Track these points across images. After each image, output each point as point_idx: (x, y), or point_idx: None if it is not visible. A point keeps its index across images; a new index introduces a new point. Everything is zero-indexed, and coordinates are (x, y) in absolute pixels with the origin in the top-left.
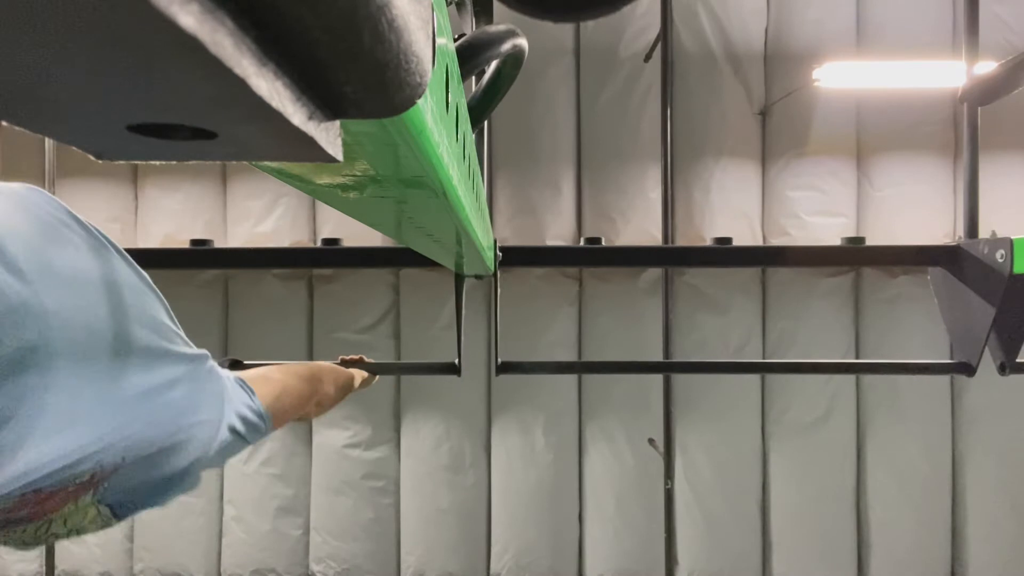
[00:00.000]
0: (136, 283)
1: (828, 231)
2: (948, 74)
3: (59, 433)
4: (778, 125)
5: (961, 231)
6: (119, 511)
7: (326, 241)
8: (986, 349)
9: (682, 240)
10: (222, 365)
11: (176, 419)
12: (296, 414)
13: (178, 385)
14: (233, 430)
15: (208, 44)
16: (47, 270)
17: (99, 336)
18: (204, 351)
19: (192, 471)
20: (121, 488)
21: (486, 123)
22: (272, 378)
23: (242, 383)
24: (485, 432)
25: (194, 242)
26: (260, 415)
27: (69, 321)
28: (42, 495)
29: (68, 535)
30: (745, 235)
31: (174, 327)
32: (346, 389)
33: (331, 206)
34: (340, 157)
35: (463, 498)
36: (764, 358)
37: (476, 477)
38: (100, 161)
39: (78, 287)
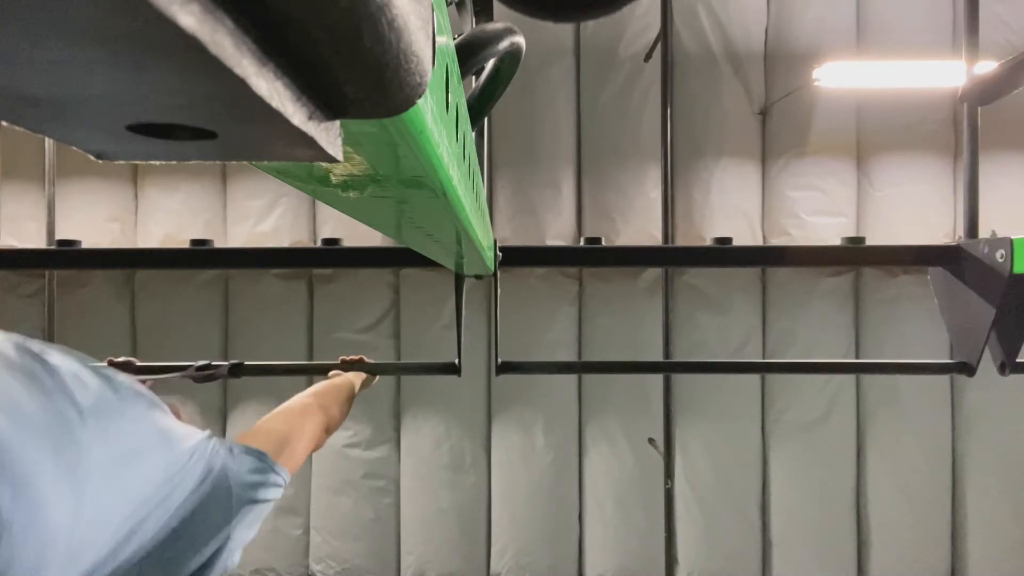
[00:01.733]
0: (102, 388)
1: (828, 231)
2: (948, 74)
3: (78, 554)
4: (778, 125)
5: (961, 231)
6: None
7: (326, 241)
8: (986, 349)
9: (682, 240)
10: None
11: (182, 516)
12: (309, 451)
13: (178, 485)
14: (252, 501)
15: (208, 44)
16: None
17: (74, 449)
18: (205, 433)
19: (220, 556)
20: None
21: (486, 123)
22: (272, 430)
23: (246, 448)
24: (485, 432)
25: (194, 242)
26: (274, 470)
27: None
28: None
29: None
30: (745, 235)
31: (166, 419)
32: (350, 401)
33: (331, 206)
34: (340, 157)
35: (463, 498)
36: (764, 358)
37: (476, 477)
38: (100, 161)
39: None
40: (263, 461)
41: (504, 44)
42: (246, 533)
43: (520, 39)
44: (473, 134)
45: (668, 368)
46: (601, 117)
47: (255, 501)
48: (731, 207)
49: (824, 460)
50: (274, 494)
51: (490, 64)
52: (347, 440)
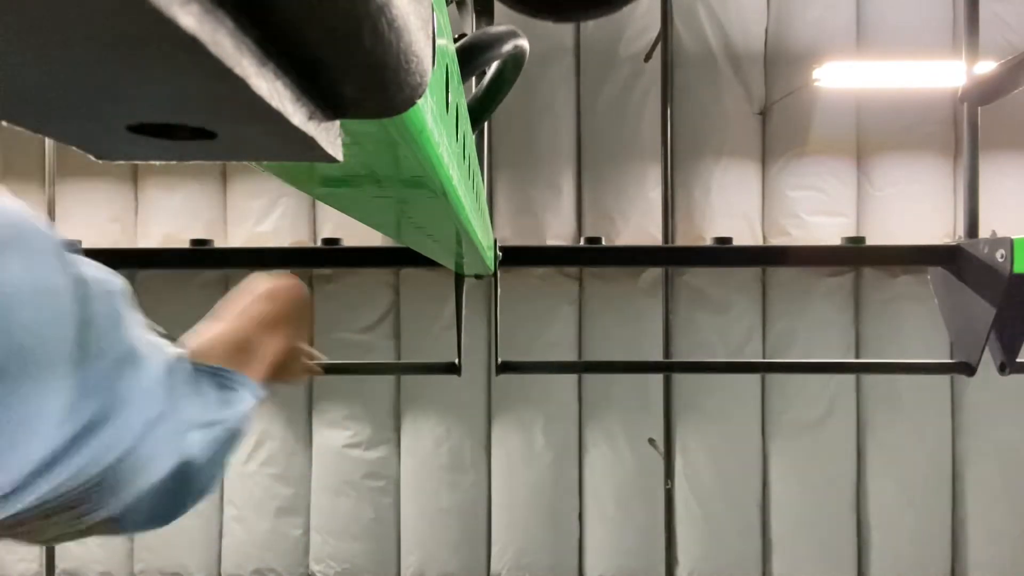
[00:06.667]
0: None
1: (828, 231)
2: (948, 74)
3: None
4: (778, 125)
5: (961, 231)
6: (123, 524)
7: (326, 241)
8: (986, 349)
9: (682, 240)
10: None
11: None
12: (285, 332)
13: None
14: (208, 425)
15: (208, 44)
16: None
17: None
18: (162, 342)
19: (189, 481)
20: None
21: (486, 123)
22: (218, 326)
23: (204, 368)
24: (485, 432)
25: (194, 242)
26: (242, 384)
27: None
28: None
29: (76, 537)
30: (745, 235)
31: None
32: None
33: (331, 206)
34: (340, 157)
35: (463, 498)
36: (764, 358)
37: (476, 477)
38: (100, 161)
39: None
40: (227, 375)
41: (507, 47)
42: (216, 461)
43: (523, 42)
44: (473, 135)
45: (668, 368)
46: (601, 117)
47: (219, 429)
48: (731, 207)
49: (824, 460)
50: (242, 421)
51: (493, 67)
52: (347, 440)
